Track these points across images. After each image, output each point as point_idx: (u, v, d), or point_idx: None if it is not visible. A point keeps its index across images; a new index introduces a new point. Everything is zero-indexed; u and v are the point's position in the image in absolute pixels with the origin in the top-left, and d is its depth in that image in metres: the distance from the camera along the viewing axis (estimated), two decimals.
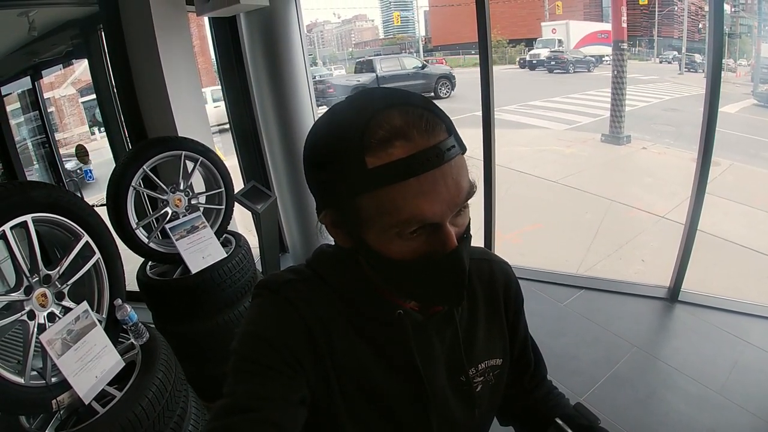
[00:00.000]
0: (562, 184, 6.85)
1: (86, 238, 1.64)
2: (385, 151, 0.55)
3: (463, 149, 0.61)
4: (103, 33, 3.15)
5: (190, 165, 2.55)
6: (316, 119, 0.70)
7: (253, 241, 2.90)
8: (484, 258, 0.88)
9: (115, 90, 3.21)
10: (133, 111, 3.11)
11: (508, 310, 0.88)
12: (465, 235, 0.64)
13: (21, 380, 1.37)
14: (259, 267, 3.01)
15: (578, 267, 4.27)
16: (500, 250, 3.73)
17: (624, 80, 9.12)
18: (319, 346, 0.68)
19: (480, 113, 3.24)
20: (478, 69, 3.17)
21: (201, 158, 2.57)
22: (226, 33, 3.68)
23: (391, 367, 0.72)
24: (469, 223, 0.66)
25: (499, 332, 0.85)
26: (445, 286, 0.64)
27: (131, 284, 2.50)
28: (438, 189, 0.56)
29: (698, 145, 2.66)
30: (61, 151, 4.50)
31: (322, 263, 0.75)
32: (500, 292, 0.86)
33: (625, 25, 9.30)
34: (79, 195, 3.32)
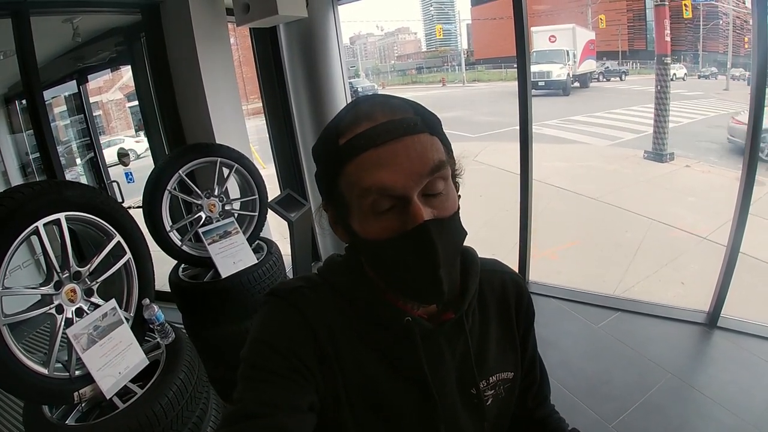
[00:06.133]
0: (602, 201, 6.68)
1: (118, 237, 1.69)
2: (352, 130, 0.61)
3: (432, 131, 0.64)
4: (144, 41, 3.26)
5: (225, 171, 2.60)
6: None
7: (286, 248, 2.92)
8: (496, 269, 0.86)
9: (156, 96, 3.31)
10: (173, 117, 3.21)
11: (520, 324, 0.85)
12: (445, 220, 0.63)
13: (45, 371, 1.42)
14: (290, 274, 3.04)
15: (615, 288, 4.13)
16: (536, 266, 3.66)
17: (667, 96, 8.87)
18: (326, 353, 0.68)
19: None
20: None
21: (236, 165, 2.63)
22: (266, 43, 3.76)
23: (399, 376, 0.71)
24: (455, 213, 0.65)
25: (510, 345, 0.83)
26: (420, 269, 0.63)
27: (164, 285, 2.57)
28: (399, 160, 0.59)
29: (742, 161, 2.55)
30: (106, 153, 4.67)
31: (331, 271, 0.76)
32: (512, 304, 0.84)
33: (668, 39, 9.04)
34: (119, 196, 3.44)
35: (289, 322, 0.68)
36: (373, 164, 0.59)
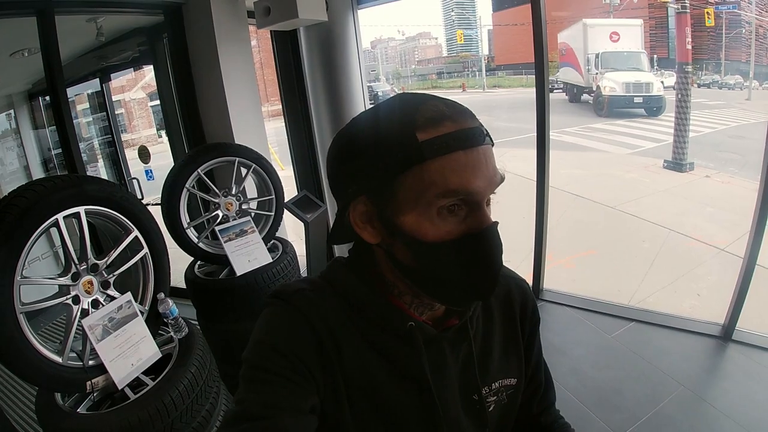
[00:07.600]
0: (619, 210, 6.62)
1: (136, 232, 1.73)
2: (435, 128, 0.59)
3: (492, 142, 0.65)
4: (167, 41, 3.31)
5: (243, 171, 2.64)
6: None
7: (302, 248, 2.94)
8: (501, 274, 0.86)
9: (177, 96, 3.37)
10: (193, 117, 3.27)
11: (524, 330, 0.85)
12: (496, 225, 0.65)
13: (59, 359, 1.45)
14: (305, 275, 3.06)
15: (630, 298, 4.08)
16: (552, 274, 3.62)
17: (688, 105, 8.74)
18: (328, 356, 0.67)
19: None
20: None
21: (254, 165, 2.67)
22: (286, 46, 3.79)
23: (401, 380, 0.70)
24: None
25: (514, 351, 0.83)
26: (480, 270, 0.64)
27: (181, 282, 2.61)
28: (481, 166, 0.60)
29: (760, 173, 2.51)
30: (128, 152, 4.76)
31: (334, 273, 0.75)
32: (517, 309, 0.84)
33: (689, 47, 8.90)
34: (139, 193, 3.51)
35: (292, 325, 0.68)
36: (462, 167, 0.59)
